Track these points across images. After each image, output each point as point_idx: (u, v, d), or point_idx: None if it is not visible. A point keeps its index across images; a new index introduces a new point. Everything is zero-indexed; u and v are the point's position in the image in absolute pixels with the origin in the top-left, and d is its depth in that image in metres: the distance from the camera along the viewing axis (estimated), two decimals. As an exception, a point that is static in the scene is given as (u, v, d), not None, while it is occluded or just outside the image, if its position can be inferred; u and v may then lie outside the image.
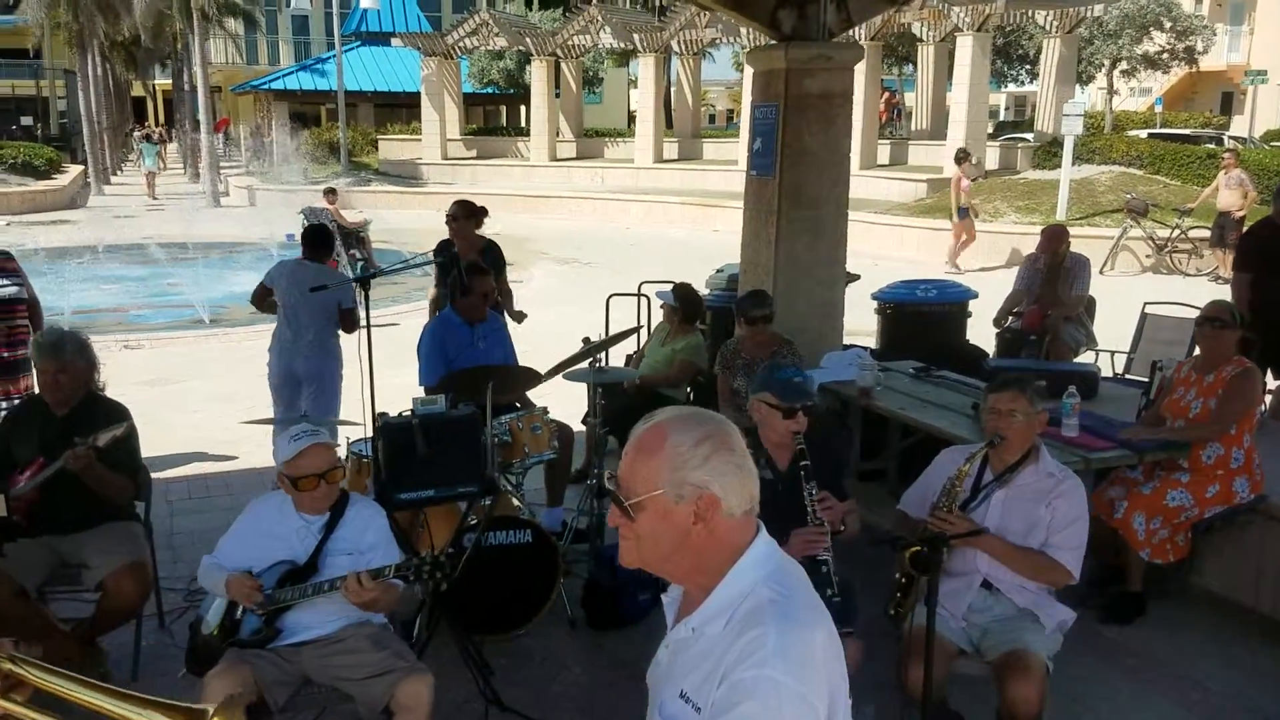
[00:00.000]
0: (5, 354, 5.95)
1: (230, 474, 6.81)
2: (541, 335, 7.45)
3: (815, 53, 5.91)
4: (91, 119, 29.80)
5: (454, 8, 39.46)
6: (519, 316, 7.05)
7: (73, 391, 4.10)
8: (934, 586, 3.05)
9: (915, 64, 24.61)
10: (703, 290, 7.84)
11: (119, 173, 36.63)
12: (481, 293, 5.45)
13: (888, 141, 23.74)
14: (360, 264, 15.65)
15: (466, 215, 7.21)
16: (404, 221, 20.82)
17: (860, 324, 8.13)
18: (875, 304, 7.45)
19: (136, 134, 43.69)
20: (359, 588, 3.09)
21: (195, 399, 8.74)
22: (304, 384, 6.16)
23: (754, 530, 1.72)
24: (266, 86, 34.30)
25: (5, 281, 5.93)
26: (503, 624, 4.47)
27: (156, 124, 50.77)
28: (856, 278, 7.39)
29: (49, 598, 4.12)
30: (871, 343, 7.51)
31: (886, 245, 17.44)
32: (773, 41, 6.12)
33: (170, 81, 40.02)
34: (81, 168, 30.87)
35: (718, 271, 8.21)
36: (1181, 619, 4.75)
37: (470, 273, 5.48)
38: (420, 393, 4.94)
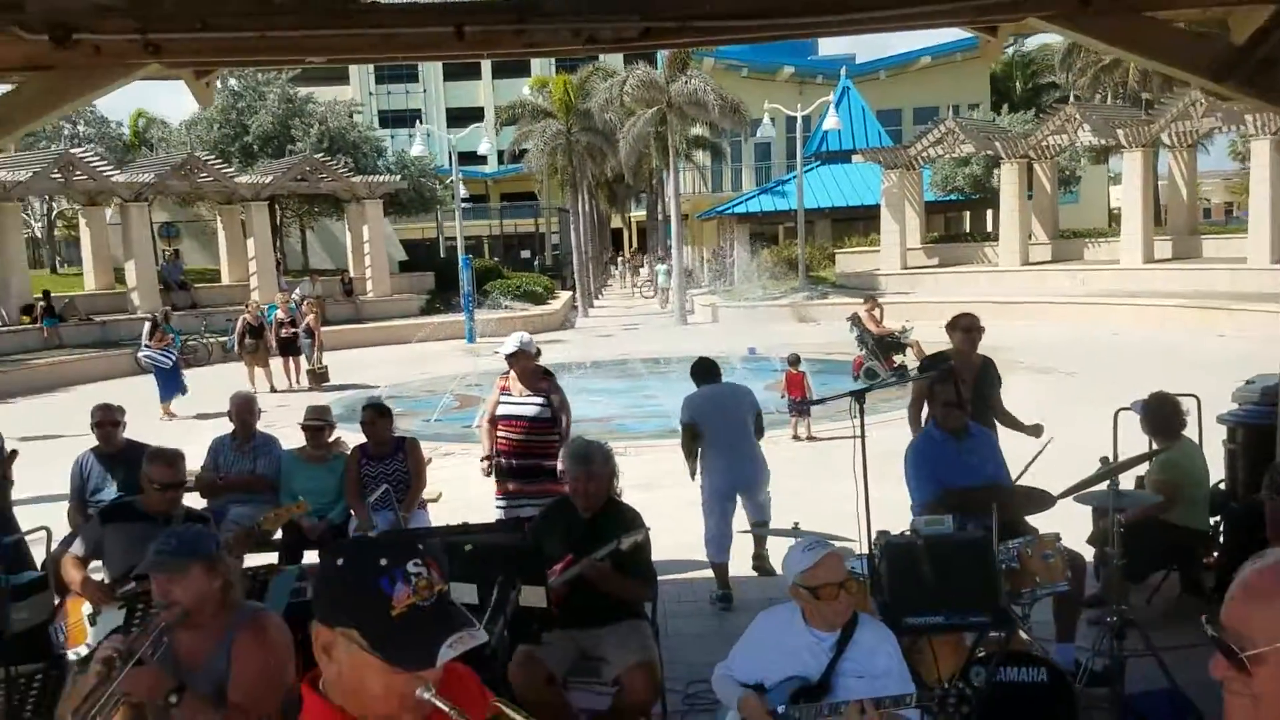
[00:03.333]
0: (517, 462, 6.45)
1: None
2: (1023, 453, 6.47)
3: None
4: (581, 250, 33.14)
5: (914, 119, 39.32)
6: (1036, 431, 6.29)
7: (598, 497, 4.43)
8: None
9: None
10: (1230, 405, 6.90)
11: (600, 297, 40.37)
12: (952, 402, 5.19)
13: None
14: (895, 372, 15.10)
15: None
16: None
17: None
18: None
19: (622, 260, 48.21)
20: (860, 718, 2.88)
21: (675, 505, 8.64)
22: (742, 494, 6.63)
23: None
24: (730, 211, 36.19)
25: (538, 400, 6.42)
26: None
27: (629, 252, 55.80)
28: None
29: (569, 687, 4.33)
30: None
31: None
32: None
33: (644, 213, 43.84)
34: (570, 293, 34.37)
35: (1247, 383, 7.09)
36: None
37: (941, 381, 5.29)
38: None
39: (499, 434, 6.53)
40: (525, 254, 49.17)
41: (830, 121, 27.96)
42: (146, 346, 16.10)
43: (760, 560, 6.97)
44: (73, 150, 25.00)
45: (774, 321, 24.61)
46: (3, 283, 22.68)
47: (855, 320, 16.11)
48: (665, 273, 32.73)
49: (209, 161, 26.24)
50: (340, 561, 1.58)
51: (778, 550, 5.88)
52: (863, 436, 4.63)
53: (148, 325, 16.51)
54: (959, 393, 5.34)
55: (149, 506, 4.67)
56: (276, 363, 18.36)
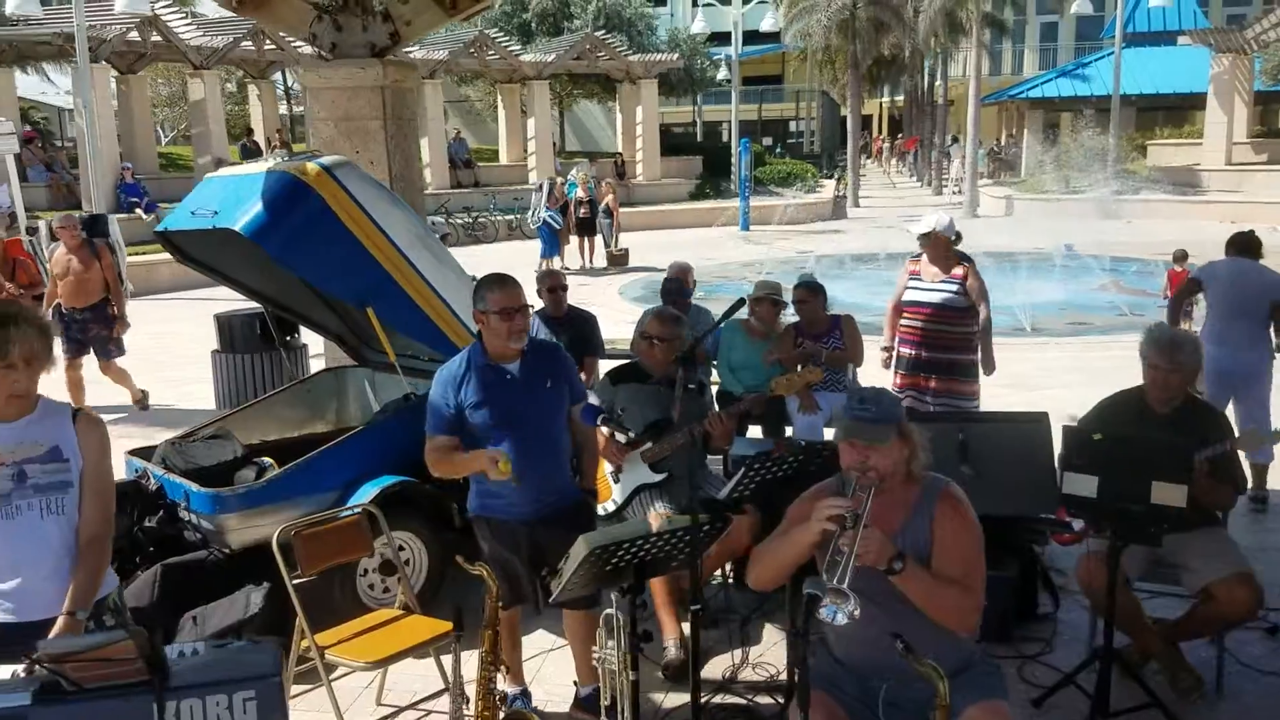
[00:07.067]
0: (924, 354, 6.05)
1: None
2: None
3: None
4: (854, 137, 31.26)
5: (1224, 2, 34.79)
6: None
7: (1179, 391, 4.03)
8: None
9: None
10: None
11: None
12: None
13: None
14: None
15: None
16: (1178, 234, 18.05)
17: None
18: None
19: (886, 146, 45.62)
20: None
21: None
22: (1233, 380, 5.86)
23: None
24: (1023, 95, 33.21)
25: (952, 287, 5.96)
26: None
27: (879, 140, 52.76)
28: None
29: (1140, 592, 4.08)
30: None
31: None
32: None
33: (901, 98, 41.05)
34: (834, 182, 32.67)
35: None
36: None
37: None
38: None
39: (902, 322, 6.08)
40: (766, 141, 47.09)
41: (1156, -1, 24.83)
42: (546, 209, 17.00)
43: (1258, 502, 5.86)
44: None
45: (1077, 218, 22.45)
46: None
47: None
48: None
49: (496, 39, 26.28)
50: None
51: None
52: None
53: (546, 188, 17.37)
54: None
55: (650, 366, 4.69)
56: (573, 242, 18.31)
